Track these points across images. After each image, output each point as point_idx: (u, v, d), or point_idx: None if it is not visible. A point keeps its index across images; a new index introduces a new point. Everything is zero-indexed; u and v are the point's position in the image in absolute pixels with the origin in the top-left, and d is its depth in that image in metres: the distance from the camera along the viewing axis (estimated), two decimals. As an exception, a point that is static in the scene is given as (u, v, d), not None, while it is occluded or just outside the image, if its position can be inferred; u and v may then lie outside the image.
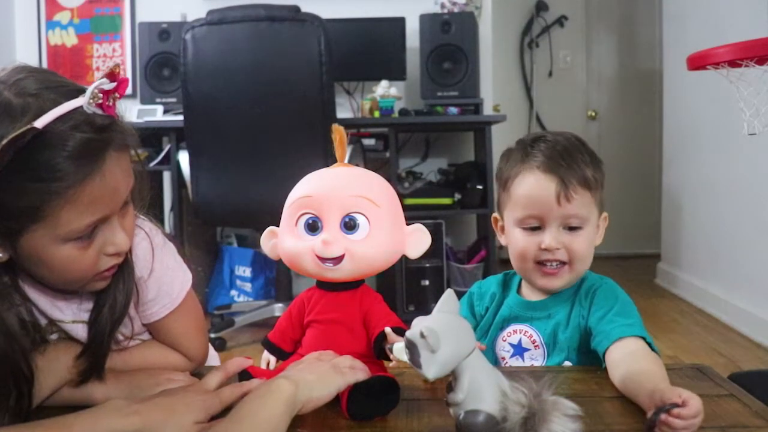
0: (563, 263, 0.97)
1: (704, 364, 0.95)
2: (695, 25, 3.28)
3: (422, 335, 0.65)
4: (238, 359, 0.85)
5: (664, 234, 3.87)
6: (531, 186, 0.96)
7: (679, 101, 3.59)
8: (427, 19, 3.11)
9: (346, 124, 2.18)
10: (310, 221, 0.83)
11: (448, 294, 0.73)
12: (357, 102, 3.38)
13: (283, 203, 0.87)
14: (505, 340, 1.01)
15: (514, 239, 1.00)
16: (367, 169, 0.90)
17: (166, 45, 3.15)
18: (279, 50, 2.48)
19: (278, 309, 2.82)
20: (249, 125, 2.53)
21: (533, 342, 0.99)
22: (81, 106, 0.72)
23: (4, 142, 0.66)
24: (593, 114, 4.81)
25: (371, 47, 3.24)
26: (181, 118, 2.66)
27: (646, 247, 3.92)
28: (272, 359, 0.92)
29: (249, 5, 2.51)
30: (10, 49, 3.61)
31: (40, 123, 0.68)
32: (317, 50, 2.43)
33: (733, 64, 1.50)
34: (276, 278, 3.04)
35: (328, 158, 2.28)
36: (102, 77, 0.73)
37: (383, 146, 3.14)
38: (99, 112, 0.72)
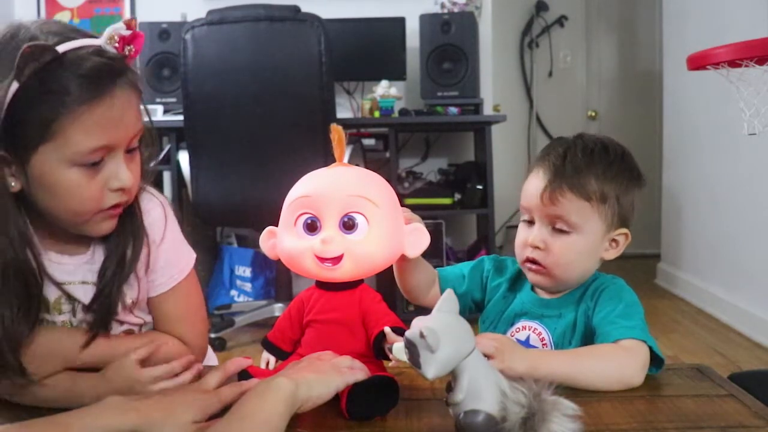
0: (541, 265, 0.97)
1: (704, 364, 0.95)
2: (695, 25, 3.28)
3: (422, 335, 0.65)
4: (238, 359, 0.85)
5: (664, 234, 3.87)
6: (529, 181, 0.99)
7: (679, 101, 3.59)
8: (427, 19, 3.10)
9: (346, 124, 2.18)
10: (309, 221, 0.83)
11: (448, 294, 0.73)
12: (357, 102, 3.38)
13: (283, 203, 0.87)
14: (513, 336, 1.01)
15: (517, 231, 1.02)
16: (367, 169, 0.90)
17: (166, 45, 3.14)
18: (279, 50, 2.48)
19: (278, 309, 2.82)
20: (249, 125, 2.53)
21: (542, 340, 0.99)
22: (99, 45, 0.80)
23: (25, 56, 0.73)
24: (593, 114, 4.81)
25: (371, 47, 3.24)
26: (181, 118, 2.66)
27: (646, 247, 3.91)
28: (272, 359, 0.92)
29: (249, 5, 2.51)
30: (10, 49, 3.61)
31: (60, 48, 0.76)
32: (317, 50, 2.43)
33: (733, 64, 1.49)
34: (276, 278, 3.04)
35: (327, 158, 2.27)
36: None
37: (383, 146, 3.14)
38: (115, 52, 0.80)
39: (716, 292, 3.10)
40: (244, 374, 0.83)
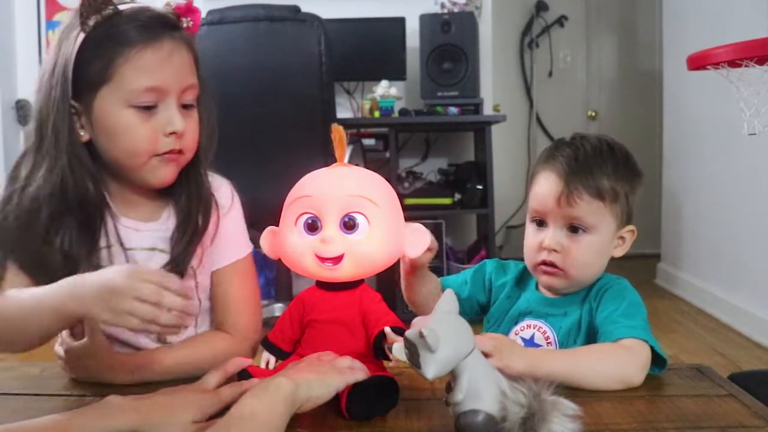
0: (558, 268, 0.96)
1: (704, 364, 0.95)
2: (695, 25, 3.28)
3: (421, 335, 0.65)
4: (238, 359, 0.85)
5: (664, 234, 3.87)
6: (540, 185, 0.98)
7: (679, 101, 3.59)
8: (427, 19, 3.10)
9: (346, 124, 2.18)
10: (310, 221, 0.83)
11: (448, 294, 0.73)
12: (357, 102, 3.38)
13: (283, 203, 0.87)
14: (517, 334, 1.01)
15: (526, 234, 1.01)
16: (367, 169, 0.90)
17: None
18: (279, 50, 2.48)
19: (278, 309, 2.82)
20: (249, 125, 2.53)
21: (546, 338, 0.99)
22: (156, 8, 0.91)
23: (86, 6, 0.84)
24: (593, 114, 4.81)
25: (371, 47, 3.24)
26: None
27: (646, 247, 3.91)
28: (272, 359, 0.91)
29: (249, 5, 2.51)
30: (11, 49, 3.61)
31: (121, 6, 0.88)
32: (317, 50, 2.43)
33: (733, 64, 1.50)
34: (276, 278, 3.04)
35: (327, 158, 2.28)
36: None
37: (383, 146, 3.14)
38: (171, 15, 0.91)
39: (716, 292, 3.10)
40: (244, 374, 0.83)
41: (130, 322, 0.75)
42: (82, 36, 0.86)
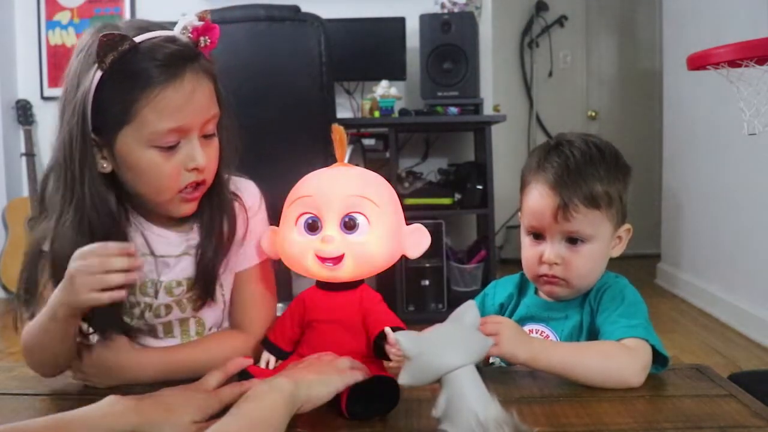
0: (561, 278, 0.96)
1: (704, 364, 0.95)
2: (695, 25, 3.28)
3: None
4: (238, 359, 0.85)
5: (664, 234, 3.87)
6: (535, 199, 0.96)
7: (679, 101, 3.59)
8: (427, 19, 3.10)
9: (346, 124, 2.18)
10: (310, 221, 0.83)
11: (466, 305, 0.73)
12: (357, 102, 3.38)
13: (283, 203, 0.87)
14: None
15: (523, 245, 1.00)
16: (367, 169, 0.90)
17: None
18: (279, 50, 2.48)
19: (278, 309, 2.81)
20: (249, 125, 2.52)
21: None
22: (174, 35, 0.88)
23: (103, 45, 0.81)
24: (593, 114, 4.81)
25: (371, 47, 3.24)
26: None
27: (646, 247, 3.92)
28: (272, 359, 0.91)
29: (249, 5, 2.50)
30: (10, 49, 3.61)
31: (137, 38, 0.84)
32: (317, 50, 2.43)
33: (733, 64, 1.50)
34: (276, 278, 3.03)
35: (327, 158, 2.28)
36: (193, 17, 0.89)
37: (383, 146, 3.14)
38: (188, 41, 0.88)
39: (716, 292, 3.10)
40: (244, 374, 0.83)
41: (98, 298, 0.80)
42: (99, 73, 0.84)
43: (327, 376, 0.76)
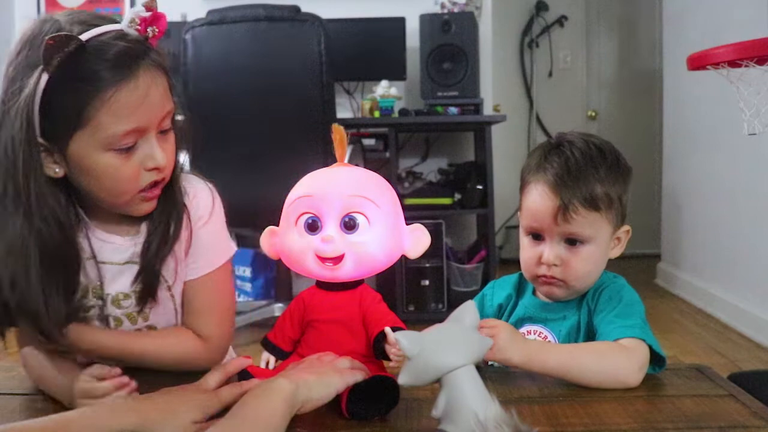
0: (559, 279, 0.96)
1: (704, 364, 0.95)
2: (695, 25, 3.28)
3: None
4: (238, 359, 0.85)
5: (664, 234, 3.87)
6: (534, 199, 0.96)
7: (679, 101, 3.59)
8: (427, 19, 3.10)
9: (346, 124, 2.18)
10: (310, 221, 0.83)
11: (465, 305, 0.73)
12: (357, 102, 3.38)
13: (283, 203, 0.87)
14: None
15: (522, 245, 1.00)
16: (367, 169, 0.90)
17: (166, 45, 3.13)
18: (279, 50, 2.48)
19: (278, 309, 2.82)
20: (249, 125, 2.53)
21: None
22: (121, 29, 0.82)
23: (49, 48, 0.75)
24: (593, 114, 4.81)
25: (371, 47, 3.24)
26: (180, 118, 2.65)
27: (646, 247, 3.92)
28: (272, 359, 0.92)
29: (249, 5, 2.51)
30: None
31: (84, 36, 0.78)
32: (317, 50, 2.43)
33: (733, 64, 1.50)
34: (276, 278, 3.04)
35: (327, 158, 2.29)
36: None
37: (383, 146, 3.14)
38: (137, 35, 0.83)
39: (716, 292, 3.10)
40: (244, 374, 0.83)
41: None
42: (46, 76, 0.78)
43: (327, 376, 0.76)
